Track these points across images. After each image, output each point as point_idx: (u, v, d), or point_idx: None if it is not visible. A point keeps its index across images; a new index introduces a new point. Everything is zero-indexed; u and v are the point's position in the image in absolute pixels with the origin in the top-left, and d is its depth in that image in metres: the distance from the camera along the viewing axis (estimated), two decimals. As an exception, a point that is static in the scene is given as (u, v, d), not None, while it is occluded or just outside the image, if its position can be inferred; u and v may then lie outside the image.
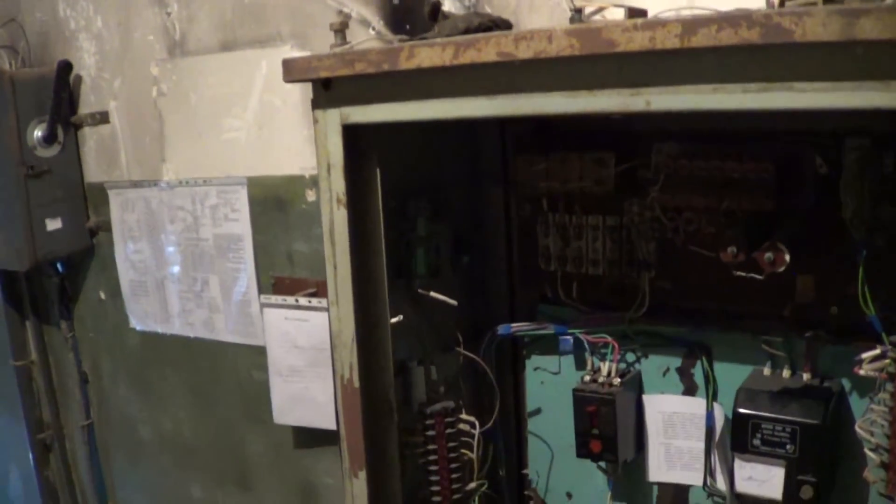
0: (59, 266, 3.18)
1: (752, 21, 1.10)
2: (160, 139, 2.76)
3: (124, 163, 2.88)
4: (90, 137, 2.95)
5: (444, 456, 1.83)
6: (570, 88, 1.29)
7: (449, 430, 1.83)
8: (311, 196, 2.47)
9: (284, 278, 2.60)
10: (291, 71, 1.53)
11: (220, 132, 2.60)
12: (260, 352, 2.66)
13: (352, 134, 1.54)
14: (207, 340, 2.86)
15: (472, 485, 1.87)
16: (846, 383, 1.67)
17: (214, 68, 2.56)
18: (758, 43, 1.10)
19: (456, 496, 1.84)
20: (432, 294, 1.79)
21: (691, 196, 1.64)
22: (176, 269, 2.86)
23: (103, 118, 2.88)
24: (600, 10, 1.41)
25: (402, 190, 1.73)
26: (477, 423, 1.86)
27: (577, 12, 1.37)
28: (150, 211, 2.85)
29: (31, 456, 3.41)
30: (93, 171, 3.00)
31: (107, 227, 3.00)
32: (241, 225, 2.64)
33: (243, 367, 2.79)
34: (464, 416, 1.86)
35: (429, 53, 1.36)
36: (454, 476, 1.84)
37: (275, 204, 2.55)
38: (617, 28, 1.19)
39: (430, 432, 1.82)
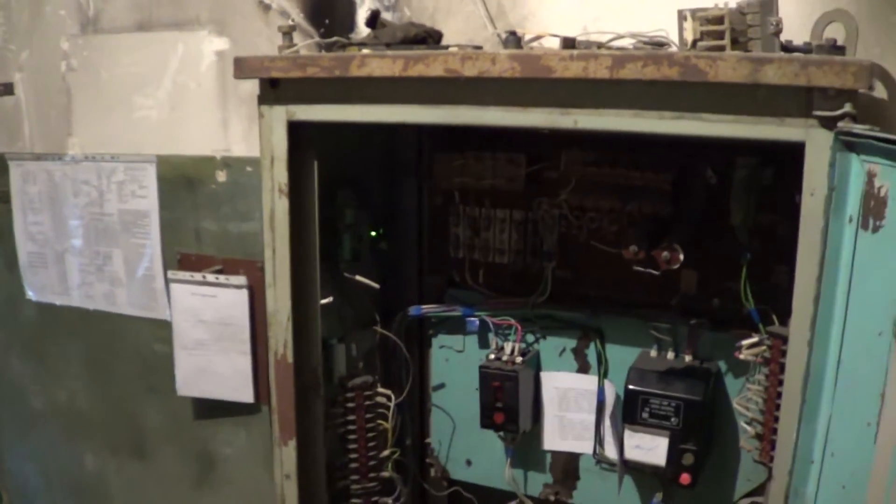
0: (-48, 236, 3.12)
1: (673, 61, 1.30)
2: (67, 113, 2.76)
3: (27, 134, 2.85)
4: None
5: (363, 426, 1.98)
6: (508, 104, 1.46)
7: (367, 403, 1.98)
8: (221, 177, 2.54)
9: (191, 255, 2.65)
10: (243, 69, 1.64)
11: (130, 110, 2.63)
12: (162, 326, 2.71)
13: (295, 130, 1.66)
14: (107, 313, 2.87)
15: (386, 452, 2.03)
16: (723, 366, 1.91)
17: (128, 47, 2.58)
18: (676, 79, 1.30)
19: (371, 462, 1.99)
20: (357, 278, 1.94)
21: (597, 198, 1.85)
22: (78, 242, 2.87)
23: (7, 89, 2.85)
24: (538, 38, 1.57)
25: (331, 181, 1.86)
26: (393, 396, 2.02)
27: (512, 34, 1.54)
28: (53, 184, 2.85)
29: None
30: None
31: (5, 198, 2.97)
32: (148, 202, 2.68)
33: (144, 341, 2.81)
34: (381, 389, 2.01)
35: (380, 64, 1.51)
36: (370, 444, 1.99)
37: (184, 183, 2.60)
38: (555, 56, 1.37)
39: (350, 404, 1.96)
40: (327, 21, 2.28)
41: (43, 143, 2.85)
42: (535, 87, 1.43)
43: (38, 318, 3.05)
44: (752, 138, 1.31)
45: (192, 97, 2.53)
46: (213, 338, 2.59)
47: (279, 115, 1.65)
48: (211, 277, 2.55)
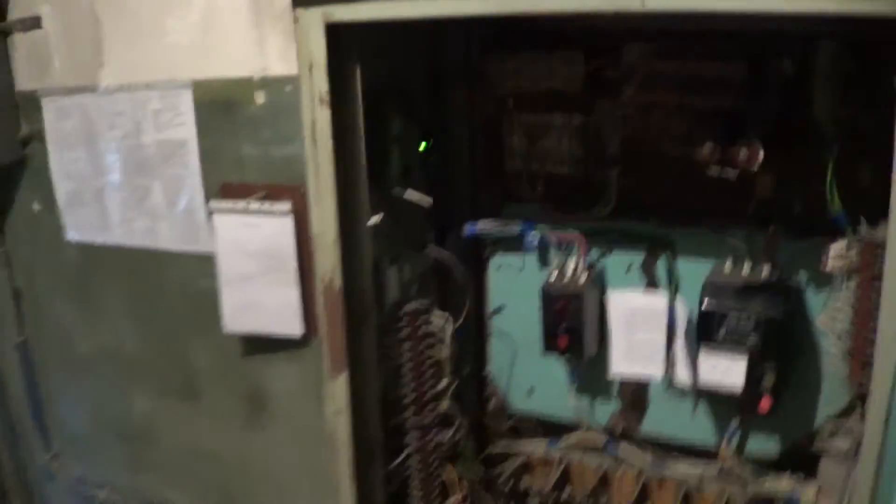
0: (-11, 178, 3.06)
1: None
2: (97, 43, 2.64)
3: (58, 69, 2.74)
4: (21, 44, 2.80)
5: (418, 356, 1.86)
6: (566, -14, 1.30)
7: (422, 330, 1.86)
8: (259, 98, 2.41)
9: (232, 183, 2.55)
10: (272, -33, 1.50)
11: (162, 35, 2.50)
12: (206, 260, 2.61)
13: (334, 33, 1.53)
14: (150, 249, 2.80)
15: (444, 382, 1.91)
16: (804, 277, 1.75)
17: (155, -33, 2.46)
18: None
19: (428, 395, 1.88)
20: (408, 194, 1.80)
21: (664, 94, 1.68)
22: (115, 177, 2.77)
23: (34, 23, 2.74)
24: None
25: (376, 90, 1.72)
26: (451, 320, 1.90)
27: None
28: (88, 118, 2.74)
29: (-41, 375, 3.31)
30: (24, 80, 2.82)
31: (40, 136, 2.88)
32: (186, 129, 2.57)
33: (189, 277, 2.72)
34: (437, 313, 1.89)
35: (419, -51, 1.35)
36: (427, 375, 1.88)
37: (222, 107, 2.47)
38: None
39: (404, 332, 1.85)
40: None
41: (74, 76, 2.73)
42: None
43: (79, 259, 2.97)
44: (846, 13, 1.13)
45: (225, 16, 2.38)
46: (259, 270, 2.49)
47: (315, 18, 1.52)
48: (254, 205, 2.44)
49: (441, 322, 1.89)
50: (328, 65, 1.53)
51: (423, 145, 1.87)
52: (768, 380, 1.68)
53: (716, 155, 1.52)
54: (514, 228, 1.99)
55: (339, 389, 1.72)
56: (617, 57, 1.76)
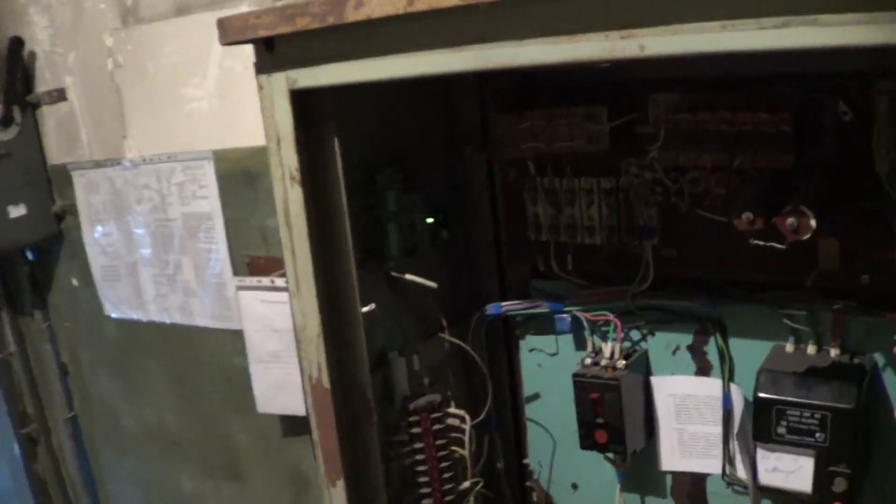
0: (28, 254, 3.02)
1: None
2: (120, 114, 2.57)
3: (86, 141, 2.70)
4: (49, 117, 2.77)
5: (433, 455, 1.64)
6: (548, 34, 1.07)
7: (437, 427, 1.65)
8: (280, 167, 2.28)
9: (259, 257, 2.42)
10: (227, 31, 1.32)
11: (181, 103, 2.42)
12: (239, 336, 2.50)
13: (302, 100, 1.34)
14: (185, 326, 2.71)
15: (467, 484, 1.69)
16: (880, 359, 1.47)
17: (170, 35, 2.37)
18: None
19: (448, 498, 1.66)
20: (407, 276, 1.59)
21: (697, 153, 1.43)
22: (147, 251, 2.69)
23: (60, 95, 2.69)
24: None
25: (368, 160, 1.54)
26: (468, 417, 1.68)
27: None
28: (116, 191, 2.67)
29: (17, 450, 3.27)
30: (55, 153, 2.82)
31: (73, 210, 2.84)
32: (209, 202, 2.46)
33: (224, 354, 2.64)
34: (452, 409, 1.67)
35: (379, 1, 1.15)
36: (445, 476, 1.66)
37: (243, 178, 2.37)
38: (601, -44, 0.98)
39: (416, 430, 1.63)
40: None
41: (101, 148, 2.69)
42: (581, 3, 1.04)
43: (119, 335, 2.97)
44: (887, 43, 0.88)
45: (241, 81, 2.29)
46: (287, 347, 2.35)
47: (279, 84, 1.33)
48: (280, 282, 2.29)
49: (458, 418, 1.66)
50: (296, 137, 1.32)
51: (430, 220, 1.65)
52: (840, 484, 1.40)
53: (756, 224, 1.26)
54: (543, 308, 1.75)
55: (337, 498, 1.50)
56: (645, 110, 1.51)
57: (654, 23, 1.01)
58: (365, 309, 1.48)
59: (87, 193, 2.75)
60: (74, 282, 2.97)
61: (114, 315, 2.88)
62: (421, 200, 1.64)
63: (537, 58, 1.10)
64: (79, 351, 3.10)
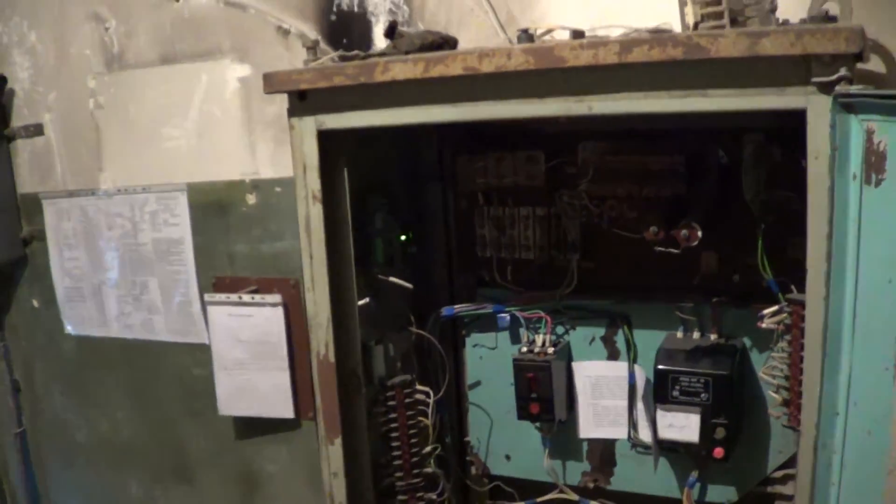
0: (-10, 276, 3.20)
1: (676, 41, 1.38)
2: (97, 150, 2.84)
3: (60, 173, 2.94)
4: (23, 150, 2.99)
5: (404, 423, 2.06)
6: (525, 97, 1.55)
7: (407, 401, 2.06)
8: (251, 199, 2.63)
9: (225, 278, 2.72)
10: (272, 83, 1.74)
11: (159, 141, 2.71)
12: (200, 349, 2.78)
13: (325, 138, 1.76)
14: (146, 341, 2.94)
15: (428, 448, 2.11)
16: (748, 341, 1.99)
17: (154, 81, 2.68)
18: (681, 59, 1.39)
19: (414, 459, 2.07)
20: (391, 279, 2.02)
21: (616, 186, 1.94)
22: (114, 274, 2.93)
23: (37, 130, 2.93)
24: (549, 31, 1.66)
25: (361, 188, 1.95)
26: (432, 393, 2.10)
27: (525, 32, 1.62)
28: (87, 219, 2.92)
29: (-39, 467, 3.40)
30: (26, 182, 3.04)
31: (41, 236, 3.04)
32: (180, 229, 2.75)
33: (184, 365, 2.88)
34: (419, 387, 2.09)
35: (402, 68, 1.60)
36: (413, 441, 2.07)
37: (216, 208, 2.68)
38: (566, 46, 1.46)
39: (391, 402, 2.05)
40: (345, 41, 2.37)
41: (75, 180, 2.93)
42: (549, 77, 1.51)
43: (77, 352, 3.12)
44: (755, 109, 1.39)
45: (219, 124, 2.61)
46: (252, 356, 2.66)
47: (309, 126, 1.75)
48: (246, 297, 2.62)
49: (423, 393, 2.08)
50: (320, 166, 1.74)
51: (403, 237, 2.08)
52: (720, 432, 1.87)
53: (659, 235, 1.75)
54: (487, 309, 2.21)
55: (335, 453, 1.90)
56: (574, 154, 2.01)
57: (598, 92, 1.50)
58: (360, 302, 1.91)
59: (58, 220, 2.98)
60: (35, 303, 3.12)
61: (73, 332, 3.07)
62: (397, 221, 2.07)
63: (514, 112, 1.58)
64: (33, 368, 3.23)
